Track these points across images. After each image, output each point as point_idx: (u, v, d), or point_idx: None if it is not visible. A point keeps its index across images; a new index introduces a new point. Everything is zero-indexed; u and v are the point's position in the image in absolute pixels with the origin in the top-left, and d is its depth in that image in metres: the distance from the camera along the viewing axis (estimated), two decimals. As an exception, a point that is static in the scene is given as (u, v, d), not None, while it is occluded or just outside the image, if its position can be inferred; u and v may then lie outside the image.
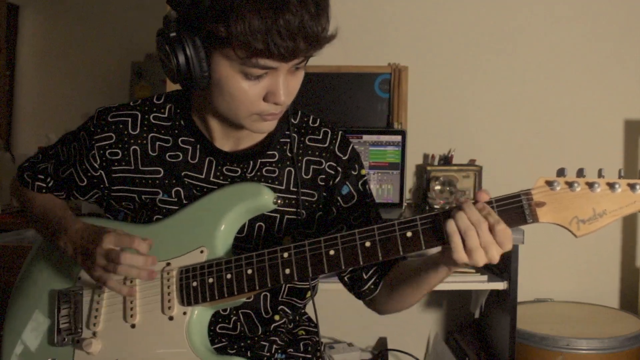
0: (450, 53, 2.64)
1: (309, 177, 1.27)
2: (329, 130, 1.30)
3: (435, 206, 2.43)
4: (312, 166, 1.27)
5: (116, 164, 1.24)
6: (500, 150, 2.65)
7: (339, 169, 1.28)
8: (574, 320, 2.41)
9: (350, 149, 1.30)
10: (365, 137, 2.46)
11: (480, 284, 2.20)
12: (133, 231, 1.23)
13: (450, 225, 1.01)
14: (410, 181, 2.65)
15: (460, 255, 1.01)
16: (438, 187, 2.47)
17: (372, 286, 1.29)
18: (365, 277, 1.29)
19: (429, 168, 2.52)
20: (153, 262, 1.16)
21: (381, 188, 2.45)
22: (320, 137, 1.29)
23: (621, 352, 2.18)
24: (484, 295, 2.35)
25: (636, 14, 2.64)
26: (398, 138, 2.45)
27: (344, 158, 1.29)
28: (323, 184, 1.28)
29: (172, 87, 2.58)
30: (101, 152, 1.25)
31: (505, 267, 2.18)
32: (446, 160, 2.58)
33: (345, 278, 1.32)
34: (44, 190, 1.36)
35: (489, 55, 2.65)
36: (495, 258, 1.01)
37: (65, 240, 1.23)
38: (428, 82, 2.64)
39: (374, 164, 2.45)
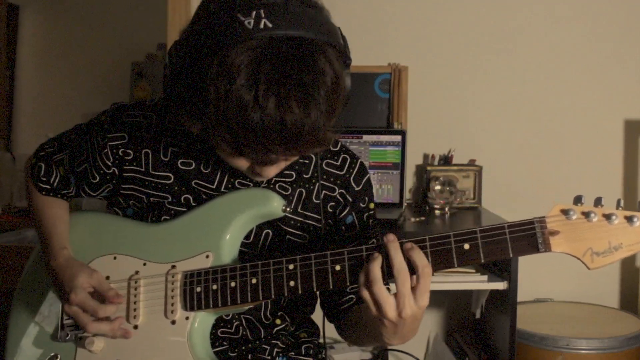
0: (450, 53, 2.64)
1: (318, 201, 1.25)
2: (348, 157, 1.27)
3: (435, 206, 2.43)
4: (324, 191, 1.25)
5: (127, 163, 1.23)
6: (500, 150, 2.65)
7: (349, 198, 1.26)
8: (574, 320, 2.41)
9: (365, 180, 1.28)
10: (365, 137, 2.46)
11: (480, 284, 2.19)
12: (140, 230, 1.23)
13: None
14: (410, 181, 2.65)
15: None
16: (438, 187, 2.47)
17: (343, 309, 1.30)
18: (339, 300, 1.30)
19: (429, 168, 2.52)
20: (121, 323, 1.17)
21: (381, 188, 2.44)
22: (339, 163, 1.26)
23: (621, 352, 2.18)
24: (484, 295, 2.35)
25: (636, 14, 2.64)
26: (398, 138, 2.45)
27: (357, 189, 1.27)
28: (332, 211, 1.26)
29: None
30: (114, 150, 1.23)
31: (505, 267, 2.18)
32: (446, 160, 2.58)
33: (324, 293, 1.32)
34: (43, 192, 1.33)
35: (489, 55, 2.65)
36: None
37: (48, 269, 1.24)
38: (428, 82, 2.64)
39: (374, 164, 2.45)
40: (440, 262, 1.03)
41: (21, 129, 4.22)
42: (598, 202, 0.99)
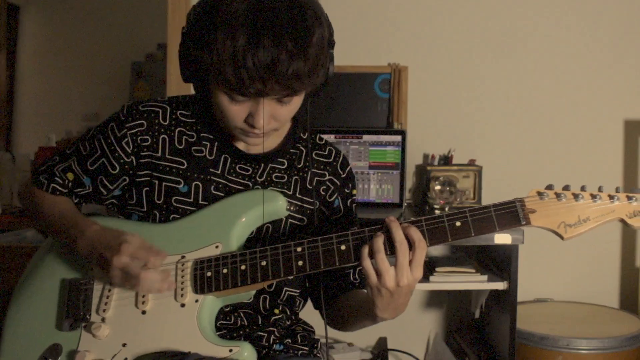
0: (450, 53, 2.65)
1: (312, 187, 1.36)
2: (333, 149, 1.42)
3: (435, 206, 2.43)
4: (316, 178, 1.36)
5: (145, 149, 1.29)
6: (500, 150, 2.65)
7: (337, 183, 1.39)
8: (574, 320, 2.41)
9: (349, 169, 1.42)
10: (365, 137, 2.46)
11: (480, 284, 2.20)
12: (149, 229, 1.27)
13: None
14: (410, 181, 2.65)
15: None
16: (438, 187, 2.47)
17: (329, 295, 1.38)
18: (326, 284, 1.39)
19: (429, 168, 2.52)
20: (167, 276, 1.20)
21: (381, 188, 2.44)
22: (326, 153, 1.40)
23: (621, 352, 2.18)
24: (484, 295, 2.35)
25: (636, 14, 2.64)
26: (398, 138, 2.45)
27: (342, 175, 1.40)
28: (323, 194, 1.38)
29: (171, 87, 2.58)
30: (134, 138, 1.29)
31: (505, 267, 2.18)
32: (446, 160, 2.58)
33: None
34: (57, 192, 1.35)
35: (488, 56, 2.65)
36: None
37: (82, 244, 1.24)
38: (428, 82, 2.64)
39: (374, 164, 2.45)
40: (436, 238, 1.16)
41: (21, 129, 4.23)
42: (566, 187, 1.17)
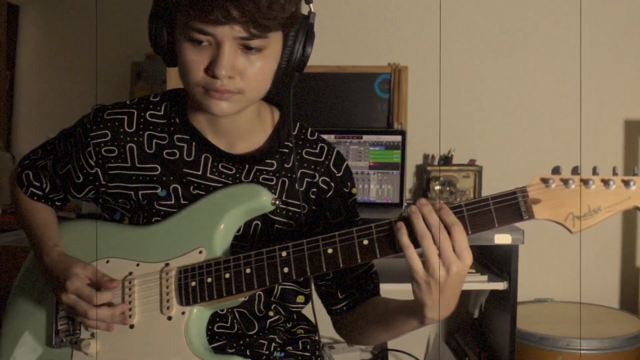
0: (450, 53, 2.65)
1: (302, 189, 1.28)
2: (326, 146, 1.32)
3: (435, 206, 2.43)
4: (305, 179, 1.28)
5: (112, 161, 1.24)
6: (500, 150, 2.65)
7: (332, 184, 1.30)
8: (574, 320, 2.41)
9: (344, 166, 1.32)
10: (365, 137, 2.46)
11: (480, 284, 2.20)
12: (131, 233, 1.24)
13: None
14: (410, 181, 2.65)
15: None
16: (438, 187, 2.47)
17: (345, 308, 1.31)
18: (339, 296, 1.31)
19: (429, 168, 2.52)
20: (122, 310, 1.16)
21: (381, 188, 2.45)
22: (317, 151, 1.30)
23: (621, 352, 2.18)
24: (484, 295, 2.35)
25: (636, 14, 2.64)
26: (398, 138, 2.45)
27: (338, 174, 1.31)
28: (314, 197, 1.29)
29: (171, 87, 2.58)
30: (97, 149, 1.24)
31: (505, 267, 2.18)
32: (446, 160, 2.59)
33: (322, 288, 1.33)
34: (35, 198, 1.34)
35: (488, 55, 2.65)
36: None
37: (42, 270, 1.25)
38: (428, 82, 2.64)
39: (374, 164, 2.45)
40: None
41: (21, 129, 4.22)
42: (575, 170, 1.04)
